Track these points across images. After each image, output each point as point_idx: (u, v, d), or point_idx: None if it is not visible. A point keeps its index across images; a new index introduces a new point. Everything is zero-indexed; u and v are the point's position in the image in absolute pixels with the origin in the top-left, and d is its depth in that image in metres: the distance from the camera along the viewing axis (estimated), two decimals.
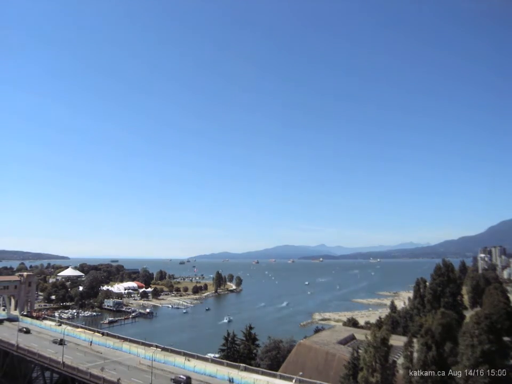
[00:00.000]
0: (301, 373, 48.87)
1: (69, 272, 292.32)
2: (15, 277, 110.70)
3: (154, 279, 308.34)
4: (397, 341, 52.69)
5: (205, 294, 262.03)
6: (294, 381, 47.37)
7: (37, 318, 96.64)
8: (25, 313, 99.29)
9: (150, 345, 67.66)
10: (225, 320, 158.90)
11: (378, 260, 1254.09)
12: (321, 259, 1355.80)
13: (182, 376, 50.13)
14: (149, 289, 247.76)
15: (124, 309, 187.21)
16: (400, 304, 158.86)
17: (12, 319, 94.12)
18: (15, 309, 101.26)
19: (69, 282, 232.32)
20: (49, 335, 77.37)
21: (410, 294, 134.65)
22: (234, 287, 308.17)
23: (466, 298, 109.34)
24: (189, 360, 59.14)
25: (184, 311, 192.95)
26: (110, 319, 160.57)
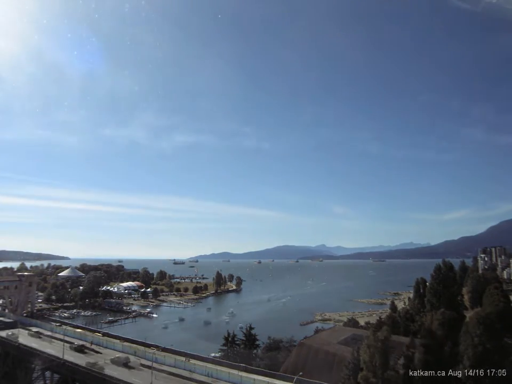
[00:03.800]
0: (301, 373, 48.84)
1: (69, 272, 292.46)
2: (15, 277, 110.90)
3: (154, 279, 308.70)
4: (397, 341, 52.72)
5: (205, 294, 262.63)
6: (294, 381, 47.35)
7: (38, 318, 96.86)
8: (25, 314, 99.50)
9: (150, 345, 67.84)
10: None
11: (385, 260, 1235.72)
12: (320, 259, 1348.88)
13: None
14: (149, 289, 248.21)
15: (124, 309, 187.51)
16: (400, 304, 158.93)
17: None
18: (16, 310, 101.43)
19: (69, 283, 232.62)
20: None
21: (411, 294, 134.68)
22: (234, 287, 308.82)
23: (466, 298, 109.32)
24: (189, 360, 59.30)
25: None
26: (110, 318, 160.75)
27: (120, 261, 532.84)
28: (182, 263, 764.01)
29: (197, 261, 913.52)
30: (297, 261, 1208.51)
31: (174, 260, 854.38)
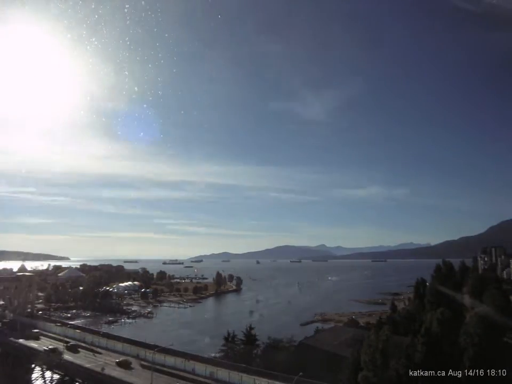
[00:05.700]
0: (301, 373, 48.78)
1: (69, 272, 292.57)
2: (15, 278, 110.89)
3: (154, 279, 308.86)
4: (397, 341, 52.72)
5: (205, 294, 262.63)
6: (294, 381, 47.30)
7: (37, 318, 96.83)
8: (25, 314, 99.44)
9: (150, 346, 67.78)
10: None
11: (385, 260, 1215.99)
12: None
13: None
14: (149, 290, 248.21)
15: (123, 309, 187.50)
16: (400, 305, 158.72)
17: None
18: (16, 310, 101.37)
19: (69, 283, 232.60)
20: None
21: (411, 294, 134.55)
22: (234, 287, 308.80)
23: (466, 299, 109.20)
24: (188, 360, 59.22)
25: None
26: (110, 319, 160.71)
27: (128, 261, 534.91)
28: (181, 263, 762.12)
29: (197, 262, 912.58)
30: (299, 261, 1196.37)
31: (176, 260, 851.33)
